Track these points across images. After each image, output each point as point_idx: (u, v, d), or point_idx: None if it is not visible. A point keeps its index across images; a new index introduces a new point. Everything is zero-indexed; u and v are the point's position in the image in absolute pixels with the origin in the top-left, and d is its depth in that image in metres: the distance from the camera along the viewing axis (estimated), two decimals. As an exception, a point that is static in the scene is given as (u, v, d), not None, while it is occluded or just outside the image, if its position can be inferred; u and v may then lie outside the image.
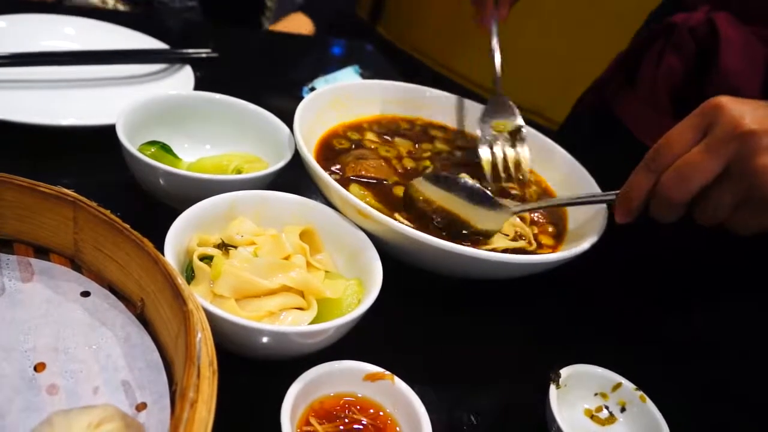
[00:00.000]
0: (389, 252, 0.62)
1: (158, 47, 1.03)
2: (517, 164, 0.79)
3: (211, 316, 0.47)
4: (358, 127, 0.84)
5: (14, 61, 0.85)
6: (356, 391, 0.52)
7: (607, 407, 0.60)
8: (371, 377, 0.52)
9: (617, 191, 0.61)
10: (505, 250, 0.67)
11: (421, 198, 0.68)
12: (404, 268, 0.63)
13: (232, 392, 0.43)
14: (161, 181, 0.65)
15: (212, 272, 0.54)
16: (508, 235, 0.70)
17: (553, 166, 0.85)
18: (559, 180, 0.83)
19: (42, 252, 0.55)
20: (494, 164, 0.79)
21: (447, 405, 0.58)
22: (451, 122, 0.91)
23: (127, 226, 0.50)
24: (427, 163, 0.80)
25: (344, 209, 0.63)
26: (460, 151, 0.85)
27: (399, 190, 0.73)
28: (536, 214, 0.76)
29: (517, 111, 0.83)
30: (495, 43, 0.84)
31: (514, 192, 0.79)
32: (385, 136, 0.84)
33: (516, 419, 0.59)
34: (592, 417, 0.59)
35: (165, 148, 0.70)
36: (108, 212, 0.51)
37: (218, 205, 0.61)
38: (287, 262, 0.57)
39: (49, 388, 0.44)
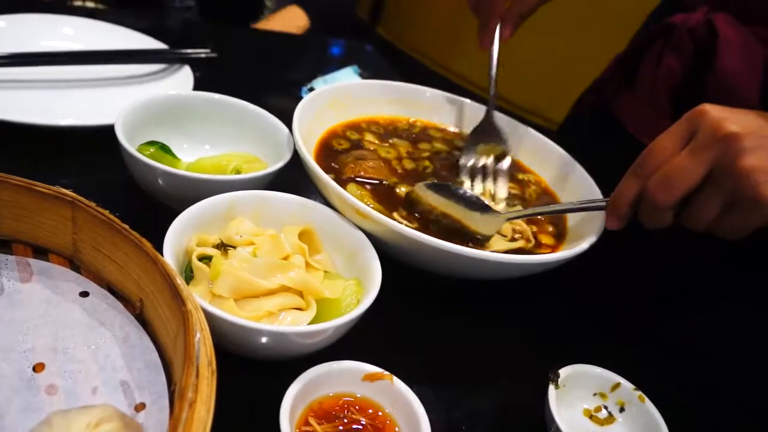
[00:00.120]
0: (388, 252, 0.62)
1: (157, 47, 1.03)
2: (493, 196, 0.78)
3: (209, 317, 0.47)
4: (357, 127, 0.84)
5: (14, 61, 0.85)
6: (355, 391, 0.53)
7: (606, 407, 0.60)
8: (370, 377, 0.52)
9: (608, 198, 0.62)
10: (505, 251, 0.68)
11: (422, 203, 0.69)
12: (403, 268, 0.63)
13: (231, 392, 0.43)
14: (160, 182, 0.65)
15: (211, 272, 0.54)
16: (506, 236, 0.70)
17: (552, 166, 0.85)
18: (558, 180, 0.83)
19: (41, 252, 0.55)
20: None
21: (446, 405, 0.58)
22: (450, 122, 0.91)
23: (126, 226, 0.50)
24: (427, 163, 0.80)
25: (343, 209, 0.63)
26: (459, 152, 0.85)
27: (398, 191, 0.73)
28: (535, 214, 0.76)
29: (505, 136, 0.81)
30: (494, 63, 0.80)
31: (513, 192, 0.79)
32: (384, 136, 0.84)
33: (515, 419, 0.59)
34: (591, 417, 0.59)
35: (164, 149, 0.70)
36: (107, 212, 0.51)
37: (217, 205, 0.61)
38: (286, 263, 0.57)
39: (47, 388, 0.44)
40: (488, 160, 0.78)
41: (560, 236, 0.74)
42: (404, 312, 0.66)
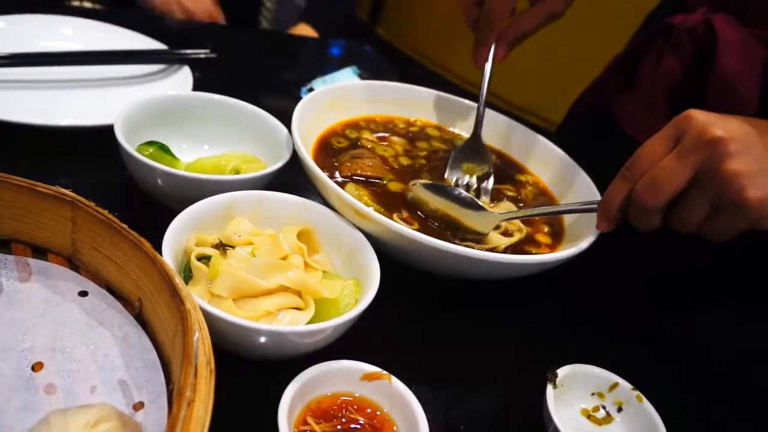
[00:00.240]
0: (387, 252, 0.62)
1: (157, 48, 1.03)
2: None
3: (208, 316, 0.47)
4: (356, 125, 0.84)
5: (13, 61, 0.85)
6: (353, 390, 0.53)
7: (604, 407, 0.60)
8: (368, 377, 0.52)
9: (599, 200, 0.63)
10: (506, 249, 0.68)
11: (420, 202, 0.70)
12: (402, 268, 0.63)
13: (230, 392, 0.43)
14: (159, 182, 0.65)
15: (210, 272, 0.54)
16: (499, 227, 0.70)
17: (550, 166, 0.85)
18: (556, 181, 0.83)
19: (40, 252, 0.55)
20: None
21: (444, 405, 0.58)
22: (449, 122, 0.91)
23: (125, 226, 0.50)
24: (423, 161, 0.80)
25: (342, 209, 0.63)
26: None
27: (395, 187, 0.73)
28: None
29: (489, 157, 0.81)
30: (485, 83, 0.79)
31: (510, 194, 0.79)
32: (382, 134, 0.84)
33: (513, 419, 0.60)
34: (589, 417, 0.59)
35: (163, 149, 0.70)
36: (106, 212, 0.51)
37: (216, 205, 0.61)
38: (285, 262, 0.57)
39: (46, 387, 0.44)
40: (472, 179, 0.78)
41: (557, 236, 0.74)
42: (403, 312, 0.66)
